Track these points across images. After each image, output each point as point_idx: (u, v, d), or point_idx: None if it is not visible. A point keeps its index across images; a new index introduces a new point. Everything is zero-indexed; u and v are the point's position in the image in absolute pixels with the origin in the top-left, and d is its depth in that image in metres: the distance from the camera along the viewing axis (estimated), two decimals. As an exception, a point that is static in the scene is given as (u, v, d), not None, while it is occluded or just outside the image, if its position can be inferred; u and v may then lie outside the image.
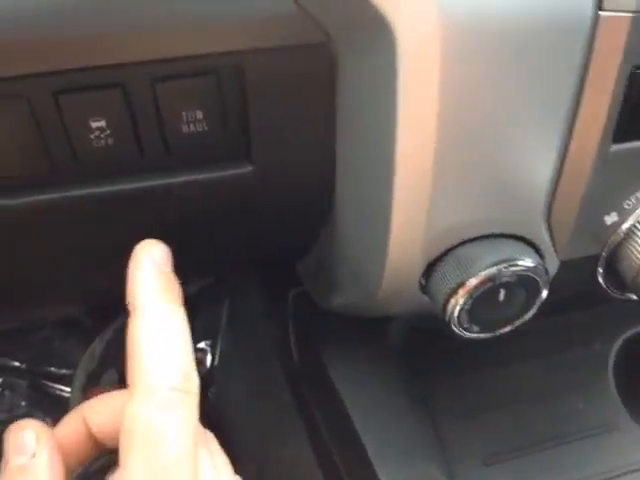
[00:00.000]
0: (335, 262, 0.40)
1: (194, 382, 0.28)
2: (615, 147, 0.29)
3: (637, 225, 0.32)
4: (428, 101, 0.27)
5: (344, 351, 0.55)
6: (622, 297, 0.36)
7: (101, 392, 0.72)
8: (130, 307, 0.29)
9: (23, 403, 0.78)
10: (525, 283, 0.32)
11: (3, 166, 0.30)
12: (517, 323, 0.34)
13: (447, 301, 0.31)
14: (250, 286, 0.82)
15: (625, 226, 0.32)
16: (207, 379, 0.93)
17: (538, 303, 0.33)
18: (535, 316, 0.54)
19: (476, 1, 0.25)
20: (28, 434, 0.30)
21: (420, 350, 0.56)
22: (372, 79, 0.28)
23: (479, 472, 0.50)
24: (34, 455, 0.29)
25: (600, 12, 0.26)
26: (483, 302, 0.31)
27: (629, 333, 0.59)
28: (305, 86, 0.30)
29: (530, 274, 0.31)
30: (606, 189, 0.31)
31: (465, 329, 0.32)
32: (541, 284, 0.32)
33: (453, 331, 0.34)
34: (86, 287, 0.43)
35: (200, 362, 0.95)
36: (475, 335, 0.33)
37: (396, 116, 0.27)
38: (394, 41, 0.25)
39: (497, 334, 0.34)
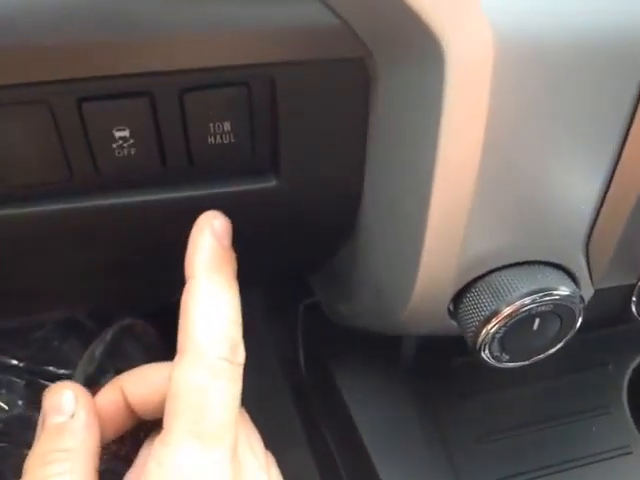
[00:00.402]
0: (357, 279, 0.39)
1: (241, 354, 0.28)
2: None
3: (676, 255, 0.31)
4: (473, 124, 0.25)
5: (354, 366, 0.54)
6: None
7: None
8: (187, 275, 0.29)
9: (20, 402, 0.77)
10: (560, 312, 0.30)
11: (22, 173, 0.29)
12: (550, 352, 0.32)
13: (479, 329, 0.30)
14: (255, 293, 0.80)
15: (664, 256, 0.31)
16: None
17: (572, 332, 0.32)
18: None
19: (531, 23, 0.24)
20: (67, 394, 0.30)
21: (430, 368, 0.55)
22: (414, 98, 0.27)
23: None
24: (72, 415, 0.30)
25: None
26: (516, 331, 0.30)
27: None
28: (338, 101, 0.29)
29: (566, 303, 0.30)
30: (648, 219, 0.30)
31: (495, 358, 0.31)
32: (576, 313, 0.31)
33: (479, 356, 0.33)
34: (98, 294, 0.42)
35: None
36: (504, 364, 0.32)
37: (438, 138, 0.26)
38: (443, 60, 0.24)
39: (527, 363, 0.33)
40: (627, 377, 0.57)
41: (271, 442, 0.73)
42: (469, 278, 0.31)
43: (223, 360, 0.27)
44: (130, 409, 0.32)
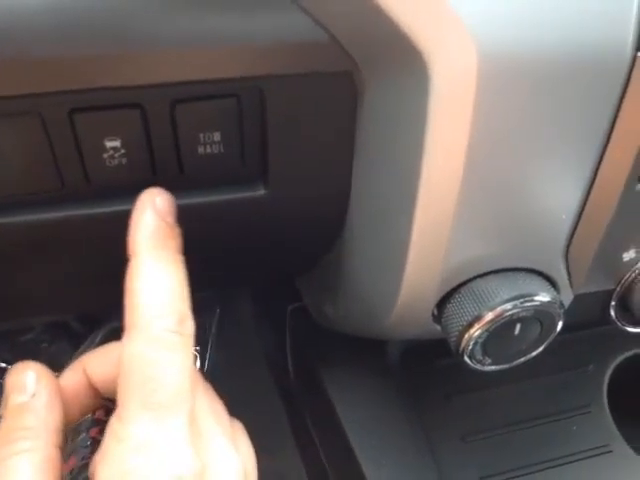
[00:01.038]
0: (343, 285, 0.40)
1: (189, 325, 0.28)
2: (640, 186, 0.29)
3: (653, 262, 0.32)
4: (457, 137, 0.26)
5: (341, 368, 0.54)
6: (633, 330, 0.36)
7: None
8: (129, 253, 0.29)
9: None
10: (541, 317, 0.31)
11: (13, 183, 0.29)
12: (530, 356, 0.33)
13: (462, 334, 0.31)
14: (243, 296, 0.81)
15: (641, 263, 0.33)
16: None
17: (552, 336, 0.33)
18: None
19: (512, 36, 0.25)
20: (29, 374, 0.30)
21: (416, 368, 0.56)
22: (400, 111, 0.27)
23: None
24: (34, 395, 0.30)
25: (639, 53, 0.26)
26: (498, 336, 0.31)
27: (624, 356, 0.59)
28: (326, 114, 0.30)
29: (546, 309, 0.31)
30: (627, 227, 0.31)
31: (478, 361, 0.32)
32: (556, 317, 0.32)
33: (462, 360, 0.34)
34: (87, 301, 0.42)
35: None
36: (487, 368, 0.33)
37: (422, 150, 0.27)
38: (427, 74, 0.25)
39: (509, 367, 0.34)
40: (607, 377, 0.58)
41: (259, 442, 0.73)
42: (453, 284, 0.32)
43: (171, 332, 0.27)
44: (94, 389, 0.33)
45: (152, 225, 0.29)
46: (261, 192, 0.32)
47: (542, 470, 0.52)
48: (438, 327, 0.34)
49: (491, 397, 0.55)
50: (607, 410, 0.56)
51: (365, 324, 0.40)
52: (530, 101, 0.26)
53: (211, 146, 0.30)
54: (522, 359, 0.33)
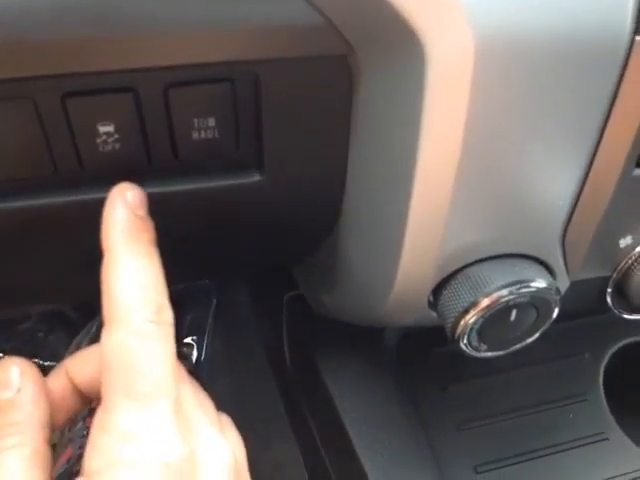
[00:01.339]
0: (339, 272, 0.40)
1: (168, 314, 0.28)
2: (638, 171, 0.29)
3: (650, 248, 0.32)
4: (454, 119, 0.26)
5: (338, 357, 0.55)
6: (629, 317, 0.36)
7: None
8: (103, 248, 0.29)
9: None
10: (537, 303, 0.31)
11: (6, 168, 0.29)
12: (526, 342, 0.33)
13: (458, 320, 0.31)
14: (239, 286, 0.81)
15: (638, 249, 0.32)
16: (193, 374, 0.93)
17: (549, 323, 0.33)
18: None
19: (510, 19, 0.24)
20: (13, 369, 0.30)
21: (413, 357, 0.56)
22: (396, 95, 0.27)
23: (470, 480, 0.50)
24: (19, 390, 0.30)
25: (637, 37, 0.25)
26: (494, 322, 0.31)
27: (620, 344, 0.59)
28: (322, 98, 0.29)
29: (542, 295, 0.31)
30: (624, 213, 0.31)
31: (474, 348, 0.32)
32: (552, 304, 0.32)
33: (458, 346, 0.34)
34: (83, 289, 0.42)
35: (185, 357, 0.95)
36: (483, 354, 0.33)
37: (418, 134, 0.26)
38: (424, 59, 0.24)
39: (504, 353, 0.34)
40: (603, 365, 0.58)
41: (257, 433, 0.73)
42: (449, 271, 0.32)
43: (149, 322, 0.27)
44: (78, 391, 0.33)
45: (123, 219, 0.29)
46: (256, 178, 0.32)
47: (538, 458, 0.52)
48: (434, 313, 0.34)
49: (487, 385, 0.56)
50: (603, 398, 0.56)
51: (362, 311, 0.40)
52: (527, 84, 0.26)
53: (205, 131, 0.30)
54: (518, 345, 0.33)
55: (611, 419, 0.55)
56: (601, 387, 0.57)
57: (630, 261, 0.33)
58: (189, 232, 0.35)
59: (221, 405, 0.85)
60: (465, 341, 0.31)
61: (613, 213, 0.30)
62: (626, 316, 0.39)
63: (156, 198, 0.32)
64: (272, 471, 0.71)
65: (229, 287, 0.89)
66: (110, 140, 0.29)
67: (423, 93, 0.25)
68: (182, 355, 0.97)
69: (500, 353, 0.33)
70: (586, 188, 0.30)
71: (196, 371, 0.95)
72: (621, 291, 0.34)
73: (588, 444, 0.54)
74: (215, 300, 0.97)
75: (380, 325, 0.41)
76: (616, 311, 0.36)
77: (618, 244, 0.32)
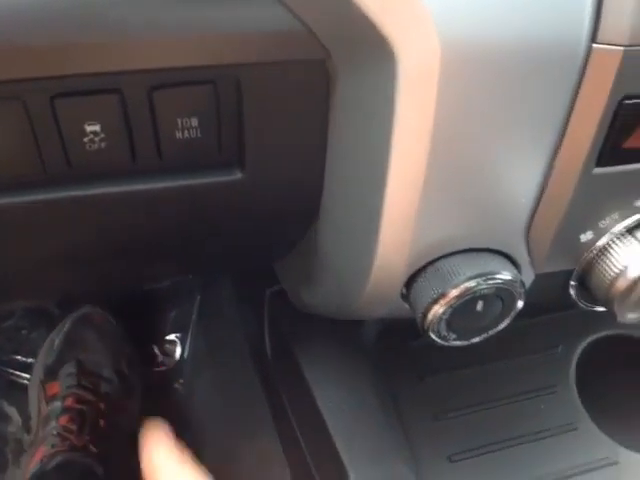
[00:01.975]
0: (318, 266, 0.41)
1: None
2: (598, 170, 0.31)
3: (610, 244, 0.34)
4: (424, 120, 0.28)
5: (317, 349, 0.56)
6: (592, 309, 0.38)
7: (58, 386, 0.72)
8: None
9: (-12, 391, 0.77)
10: (502, 295, 0.33)
11: (-4, 167, 0.30)
12: (492, 332, 0.35)
13: (428, 310, 0.32)
14: (223, 282, 0.82)
15: (599, 244, 0.34)
16: (176, 371, 0.94)
17: (513, 314, 0.35)
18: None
19: (474, 27, 0.26)
20: None
21: (391, 350, 0.57)
22: (369, 97, 0.29)
23: (445, 469, 0.52)
24: None
25: (593, 44, 0.27)
26: (461, 312, 0.33)
27: (591, 337, 0.61)
28: (300, 100, 0.31)
29: (507, 287, 0.33)
30: (585, 209, 0.32)
31: (443, 337, 0.34)
32: (517, 296, 0.34)
33: (428, 336, 0.35)
34: (66, 285, 0.43)
35: (169, 354, 0.96)
36: (451, 343, 0.35)
37: (391, 133, 0.28)
38: (394, 61, 0.26)
39: (471, 342, 0.36)
40: (575, 358, 0.60)
41: (240, 427, 0.74)
42: (420, 264, 0.33)
43: None
44: None
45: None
46: (238, 176, 0.34)
47: (510, 447, 0.54)
48: (406, 305, 0.35)
49: (463, 377, 0.57)
50: (574, 389, 0.58)
51: (338, 305, 0.42)
52: (491, 89, 0.28)
53: (189, 131, 0.31)
54: (484, 335, 0.35)
55: (581, 409, 0.57)
56: (572, 379, 0.59)
57: (591, 255, 0.35)
58: (173, 229, 0.37)
59: (205, 399, 0.86)
60: (435, 331, 0.33)
61: (574, 210, 0.32)
62: (594, 309, 0.41)
63: (141, 196, 0.33)
64: (255, 464, 0.73)
65: (213, 284, 0.90)
66: (97, 139, 0.30)
67: (394, 96, 0.27)
68: (166, 352, 0.97)
69: (467, 342, 0.35)
70: (548, 186, 0.32)
71: (179, 368, 0.96)
72: (584, 284, 0.36)
73: (558, 434, 0.56)
74: (199, 297, 0.98)
75: (356, 317, 0.43)
76: (580, 303, 0.38)
77: (579, 239, 0.34)
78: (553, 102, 0.29)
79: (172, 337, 0.95)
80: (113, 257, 0.37)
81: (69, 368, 0.73)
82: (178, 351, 0.95)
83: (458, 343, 0.35)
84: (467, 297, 0.32)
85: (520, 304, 0.35)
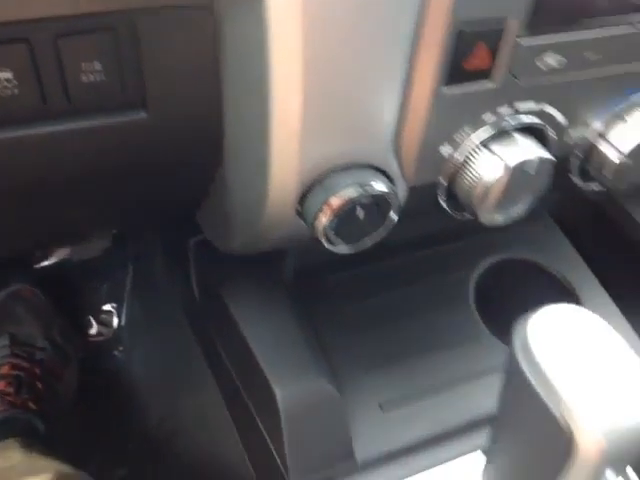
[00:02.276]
0: (227, 203, 0.46)
1: None
2: (446, 89, 0.37)
3: (467, 155, 0.40)
4: (294, 52, 0.33)
5: (243, 290, 0.60)
6: (463, 218, 0.45)
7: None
8: None
9: None
10: (379, 203, 0.39)
11: None
12: (375, 236, 0.41)
13: (315, 218, 0.38)
14: (154, 248, 0.85)
15: (457, 156, 0.41)
16: (114, 339, 0.97)
17: (389, 223, 0.41)
18: (408, 248, 0.63)
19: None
20: None
21: (310, 285, 0.63)
22: (248, 35, 0.34)
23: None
24: None
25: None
26: (346, 219, 0.38)
27: (489, 262, 0.69)
28: (192, 42, 0.36)
29: (382, 195, 0.39)
30: (440, 125, 0.38)
31: (332, 243, 0.39)
32: (392, 204, 0.40)
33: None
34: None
35: (106, 324, 0.98)
36: (341, 248, 0.40)
37: (269, 67, 0.33)
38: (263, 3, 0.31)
39: (361, 248, 0.41)
40: (474, 281, 0.67)
41: (181, 383, 0.78)
42: (309, 182, 0.39)
43: None
44: None
45: None
46: (142, 116, 0.38)
47: (419, 354, 0.60)
48: (302, 222, 0.41)
49: (376, 305, 0.63)
50: (474, 307, 0.65)
51: (249, 234, 0.46)
52: (349, 22, 0.33)
53: (93, 74, 0.35)
54: (368, 239, 0.41)
55: (482, 326, 0.64)
56: (472, 298, 0.66)
57: (452, 167, 0.41)
58: (86, 171, 0.40)
59: (145, 363, 0.89)
60: (324, 237, 0.39)
61: (431, 126, 0.38)
62: (459, 217, 0.46)
63: (53, 138, 0.37)
64: (197, 416, 0.77)
65: (145, 255, 0.93)
66: (9, 86, 0.34)
67: (267, 33, 0.32)
68: (103, 322, 1.00)
69: (354, 248, 0.41)
70: (407, 106, 0.37)
71: (117, 337, 0.99)
72: (452, 194, 0.43)
73: (463, 344, 0.62)
74: (132, 267, 1.01)
75: (267, 246, 0.48)
76: (451, 213, 0.44)
77: (440, 152, 0.40)
78: (402, 30, 0.35)
79: (108, 307, 0.98)
80: (27, 203, 0.41)
81: (2, 341, 0.76)
82: (115, 320, 0.98)
83: (345, 248, 0.40)
84: (348, 206, 0.38)
85: (395, 212, 0.41)
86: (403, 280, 0.66)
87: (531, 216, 0.73)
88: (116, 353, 0.97)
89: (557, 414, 0.31)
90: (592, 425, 0.31)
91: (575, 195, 0.72)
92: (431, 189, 0.43)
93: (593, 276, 0.68)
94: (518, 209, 0.43)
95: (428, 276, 0.67)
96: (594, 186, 0.48)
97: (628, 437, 0.31)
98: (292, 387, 0.52)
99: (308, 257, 0.62)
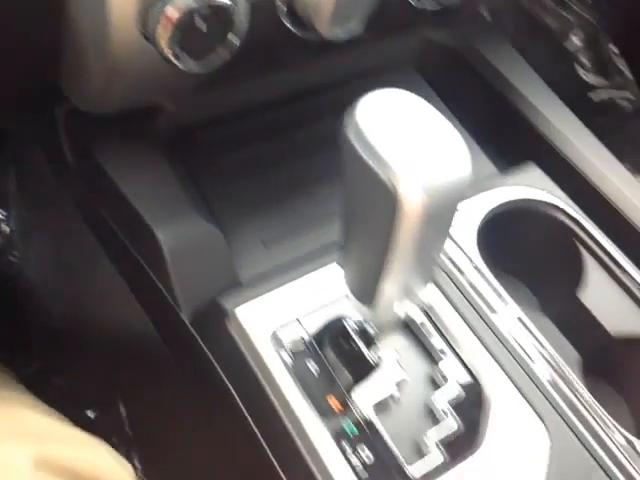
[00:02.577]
0: (77, 42, 0.46)
1: None
2: None
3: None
4: None
5: (117, 149, 0.60)
6: (305, 36, 0.47)
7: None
8: None
9: None
10: (218, 13, 0.40)
11: None
12: (221, 54, 0.43)
13: (155, 32, 0.39)
14: (33, 147, 0.82)
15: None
16: (7, 245, 0.95)
17: (233, 41, 0.42)
18: (281, 102, 0.64)
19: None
20: None
21: (186, 141, 0.64)
22: None
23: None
24: None
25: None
26: (187, 31, 0.39)
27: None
28: None
29: (221, 5, 0.40)
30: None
31: (180, 59, 0.41)
32: (234, 15, 0.41)
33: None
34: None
35: (-3, 233, 0.96)
36: (190, 65, 0.41)
37: None
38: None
39: (211, 67, 0.43)
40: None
41: (82, 268, 0.77)
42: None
43: None
44: None
45: None
46: None
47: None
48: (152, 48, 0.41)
49: (252, 156, 0.66)
50: None
51: (106, 74, 0.47)
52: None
53: None
54: (214, 56, 0.43)
55: None
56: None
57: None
58: None
59: (41, 262, 0.88)
60: (169, 53, 0.40)
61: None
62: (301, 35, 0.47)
63: None
64: (99, 299, 0.78)
65: (25, 157, 0.90)
66: None
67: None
68: (-6, 230, 0.98)
69: (205, 69, 0.42)
70: None
71: (10, 241, 0.98)
72: (292, 12, 0.45)
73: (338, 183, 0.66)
74: (14, 168, 0.98)
75: (131, 99, 0.48)
76: (295, 30, 0.46)
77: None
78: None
79: (-2, 216, 0.95)
80: None
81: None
82: (5, 227, 0.96)
83: (194, 65, 0.42)
84: (187, 17, 0.39)
85: (241, 25, 0.42)
86: (278, 130, 0.68)
87: (395, 66, 0.77)
88: (11, 258, 0.96)
89: (384, 178, 0.36)
90: (413, 183, 0.35)
91: (433, 43, 0.78)
92: (273, 11, 0.45)
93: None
94: (355, 24, 0.46)
95: (301, 126, 0.69)
96: (428, 4, 0.51)
97: (443, 192, 0.36)
98: (173, 228, 0.55)
99: (183, 116, 0.63)
